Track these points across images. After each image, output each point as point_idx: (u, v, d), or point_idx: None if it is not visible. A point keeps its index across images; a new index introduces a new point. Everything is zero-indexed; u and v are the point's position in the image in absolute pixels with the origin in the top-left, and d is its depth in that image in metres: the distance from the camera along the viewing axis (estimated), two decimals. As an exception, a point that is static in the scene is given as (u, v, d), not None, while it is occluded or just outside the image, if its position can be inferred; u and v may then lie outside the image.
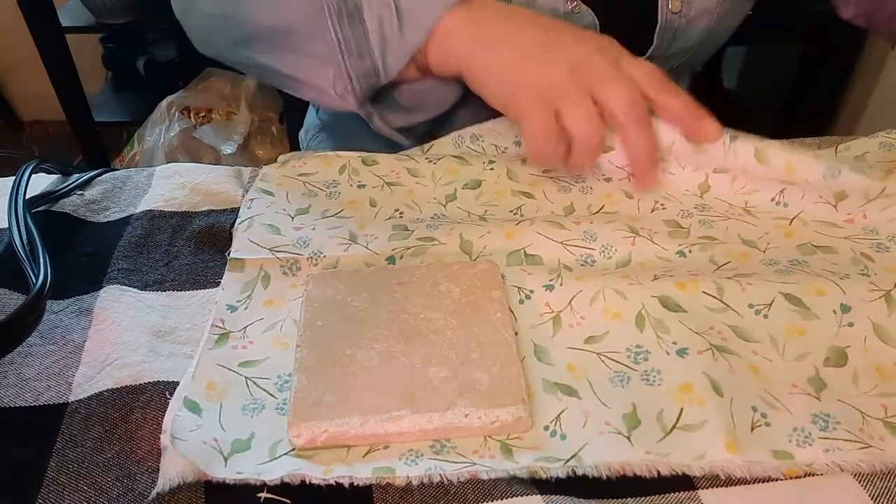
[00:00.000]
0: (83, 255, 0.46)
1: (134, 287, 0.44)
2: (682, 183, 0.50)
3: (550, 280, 0.42)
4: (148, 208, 0.50)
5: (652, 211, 0.48)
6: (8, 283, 0.43)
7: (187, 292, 0.44)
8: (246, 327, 0.41)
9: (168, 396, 0.36)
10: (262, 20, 0.51)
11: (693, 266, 0.43)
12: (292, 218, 0.49)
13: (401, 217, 0.49)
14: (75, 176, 0.53)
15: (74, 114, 1.56)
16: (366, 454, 0.34)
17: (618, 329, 0.39)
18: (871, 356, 0.37)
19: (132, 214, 0.50)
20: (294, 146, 0.93)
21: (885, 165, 0.47)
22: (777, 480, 0.32)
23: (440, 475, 0.32)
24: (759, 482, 0.32)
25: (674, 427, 0.34)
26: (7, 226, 0.45)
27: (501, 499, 0.31)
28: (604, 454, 0.33)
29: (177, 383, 0.37)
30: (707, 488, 0.32)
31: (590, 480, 0.32)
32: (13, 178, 0.49)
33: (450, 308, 0.39)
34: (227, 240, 0.47)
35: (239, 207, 0.50)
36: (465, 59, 0.49)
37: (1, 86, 1.98)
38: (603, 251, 0.45)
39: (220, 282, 0.44)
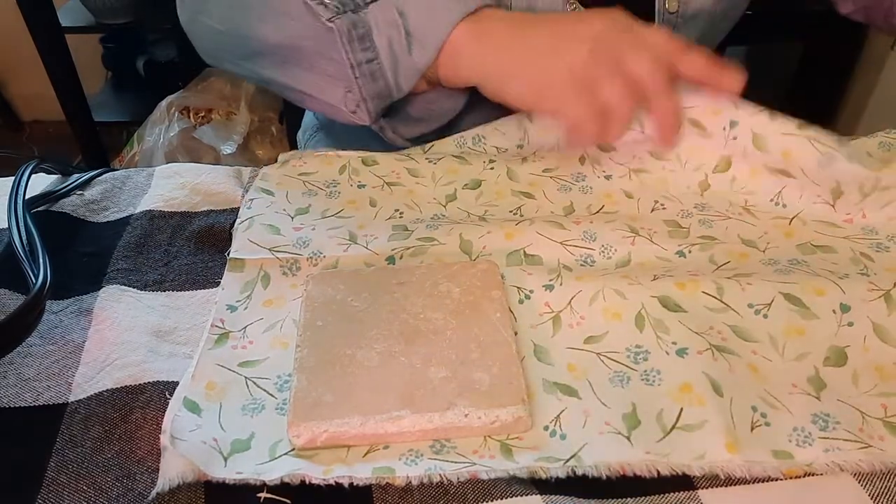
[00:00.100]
0: (83, 255, 0.46)
1: (134, 287, 0.44)
2: (683, 181, 0.50)
3: (550, 280, 0.42)
4: (148, 208, 0.50)
5: (652, 211, 0.48)
6: (8, 283, 0.43)
7: (187, 292, 0.44)
8: (246, 327, 0.41)
9: (168, 396, 0.36)
10: (269, 37, 0.52)
11: (693, 266, 0.43)
12: (292, 218, 0.49)
13: (401, 217, 0.49)
14: (75, 176, 0.53)
15: (74, 114, 1.56)
16: (366, 454, 0.34)
17: (617, 329, 0.39)
18: (871, 356, 0.37)
19: (132, 214, 0.50)
20: (293, 146, 0.93)
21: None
22: (777, 480, 0.32)
23: (440, 475, 0.32)
24: (759, 482, 0.32)
25: (674, 427, 0.34)
26: (7, 226, 0.45)
27: (501, 499, 0.31)
28: (604, 454, 0.33)
29: (177, 383, 0.37)
30: (707, 488, 0.32)
31: (590, 480, 0.32)
32: (13, 178, 0.49)
33: (450, 308, 0.39)
34: (227, 240, 0.47)
35: (239, 207, 0.50)
36: (479, 72, 0.49)
37: (1, 86, 1.98)
38: (603, 251, 0.45)
39: (220, 282, 0.44)
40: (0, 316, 0.40)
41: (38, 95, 1.85)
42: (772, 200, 0.48)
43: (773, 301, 0.39)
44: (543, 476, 0.32)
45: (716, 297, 0.40)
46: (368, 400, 0.34)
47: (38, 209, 0.49)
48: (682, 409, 0.35)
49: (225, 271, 0.44)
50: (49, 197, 0.51)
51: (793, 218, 0.47)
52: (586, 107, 0.46)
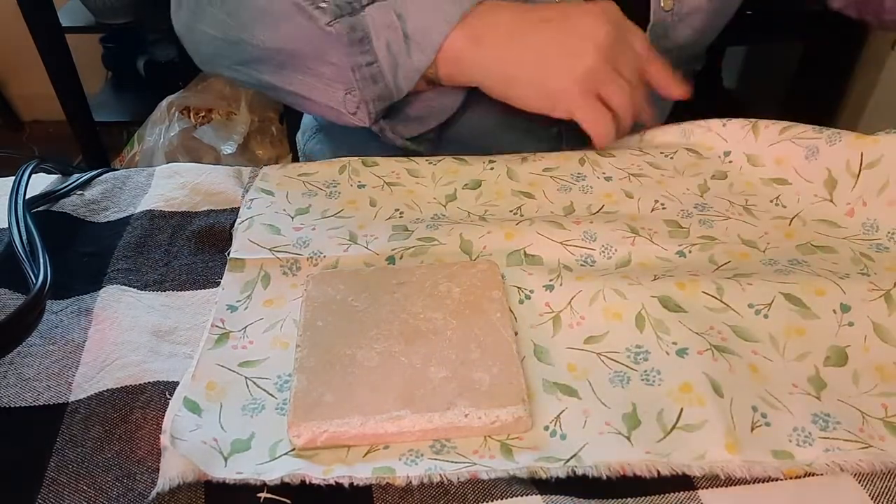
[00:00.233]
0: (83, 255, 0.46)
1: (134, 287, 0.44)
2: (682, 184, 0.51)
3: (550, 280, 0.42)
4: (148, 208, 0.50)
5: (652, 210, 0.48)
6: (8, 283, 0.43)
7: (187, 292, 0.44)
8: (246, 327, 0.41)
9: (168, 396, 0.36)
10: (267, 42, 0.52)
11: (693, 266, 0.43)
12: (292, 218, 0.49)
13: (401, 217, 0.49)
14: (75, 176, 0.53)
15: (74, 114, 1.56)
16: (366, 454, 0.34)
17: (618, 329, 0.39)
18: (871, 356, 0.37)
19: (132, 214, 0.50)
20: (293, 147, 0.93)
21: (858, 135, 0.48)
22: (777, 480, 0.32)
23: (440, 475, 0.32)
24: (759, 482, 0.32)
25: (674, 427, 0.34)
26: (7, 226, 0.45)
27: (501, 499, 0.31)
28: (604, 454, 0.33)
29: (177, 383, 0.37)
30: (707, 488, 0.32)
31: (590, 480, 0.32)
32: (13, 178, 0.49)
33: (450, 308, 0.39)
34: (227, 240, 0.47)
35: (239, 207, 0.50)
36: (482, 74, 0.50)
37: (1, 86, 1.98)
38: (603, 251, 0.45)
39: (220, 282, 0.44)
40: (0, 316, 0.40)
41: (38, 95, 1.85)
42: (772, 201, 0.49)
43: (773, 301, 0.39)
44: (543, 476, 0.32)
45: (716, 297, 0.40)
46: (368, 400, 0.34)
47: (39, 209, 0.49)
48: (682, 409, 0.35)
49: (225, 271, 0.44)
50: (49, 197, 0.51)
51: (793, 218, 0.47)
52: (599, 111, 0.48)
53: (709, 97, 1.61)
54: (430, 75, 0.51)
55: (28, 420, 0.36)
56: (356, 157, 0.54)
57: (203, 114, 1.58)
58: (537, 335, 0.39)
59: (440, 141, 0.56)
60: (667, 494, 0.32)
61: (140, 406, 0.36)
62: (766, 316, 0.39)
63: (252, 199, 0.50)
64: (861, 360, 0.37)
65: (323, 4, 0.49)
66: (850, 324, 0.38)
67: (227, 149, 1.53)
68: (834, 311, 0.39)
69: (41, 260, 0.42)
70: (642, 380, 0.37)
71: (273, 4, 0.51)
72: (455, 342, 0.37)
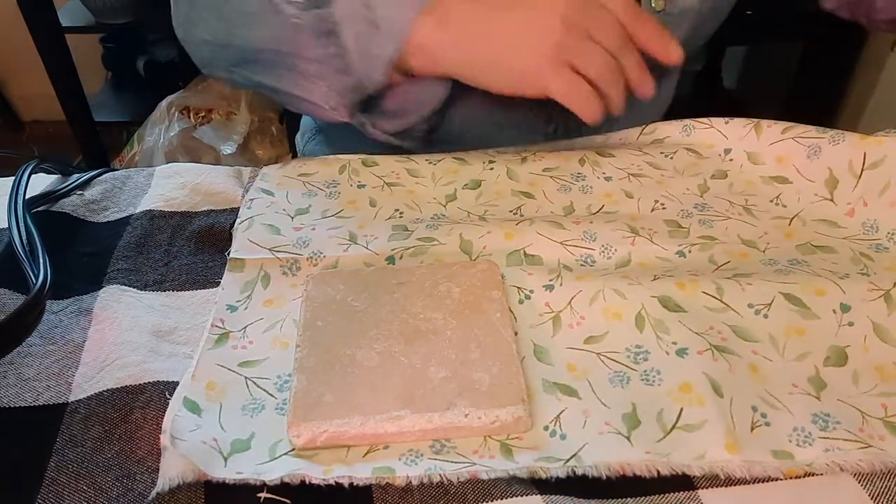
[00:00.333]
0: (83, 255, 0.46)
1: (134, 287, 0.44)
2: (682, 184, 0.51)
3: (550, 280, 0.42)
4: (148, 208, 0.50)
5: (652, 210, 0.48)
6: (8, 283, 0.43)
7: (187, 292, 0.44)
8: (246, 327, 0.41)
9: (168, 396, 0.36)
10: (252, 42, 0.52)
11: (693, 266, 0.43)
12: (292, 218, 0.49)
13: (401, 217, 0.49)
14: (75, 176, 0.53)
15: (74, 114, 1.56)
16: (366, 454, 0.34)
17: (618, 329, 0.39)
18: (871, 356, 0.37)
19: (132, 214, 0.50)
20: (293, 147, 0.93)
21: (862, 136, 0.48)
22: (777, 480, 0.32)
23: (440, 475, 0.32)
24: (759, 482, 0.32)
25: (674, 427, 0.34)
26: (7, 226, 0.45)
27: (501, 499, 0.31)
28: (604, 454, 0.33)
29: (177, 383, 0.37)
30: (707, 488, 0.32)
31: (590, 480, 0.32)
32: (13, 178, 0.49)
33: (450, 308, 0.39)
34: (227, 240, 0.47)
35: (239, 207, 0.50)
36: (453, 62, 0.49)
37: (1, 86, 1.98)
38: (603, 251, 0.45)
39: (220, 282, 0.44)
40: (0, 316, 0.40)
41: (38, 95, 1.85)
42: (772, 201, 0.49)
43: (773, 301, 0.39)
44: (543, 476, 0.32)
45: (716, 297, 0.40)
46: (368, 400, 0.34)
47: (38, 209, 0.49)
48: (682, 409, 0.35)
49: (225, 271, 0.44)
50: (49, 197, 0.51)
51: (793, 218, 0.47)
52: (574, 86, 0.46)
53: (709, 97, 1.61)
54: (402, 66, 0.50)
55: (28, 420, 0.36)
56: (356, 157, 0.54)
57: (203, 114, 1.58)
58: (537, 335, 0.39)
59: (431, 138, 0.56)
60: (667, 494, 0.32)
61: (140, 406, 0.36)
62: (766, 316, 0.39)
63: (252, 199, 0.50)
64: (861, 360, 0.37)
65: None
66: (850, 324, 0.38)
67: (227, 149, 1.53)
68: (834, 311, 0.39)
69: (41, 260, 0.42)
70: (642, 380, 0.37)
71: (248, 4, 0.51)
72: (455, 342, 0.37)
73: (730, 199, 0.49)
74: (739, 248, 0.45)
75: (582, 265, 0.44)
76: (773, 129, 0.51)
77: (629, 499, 0.32)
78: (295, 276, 0.44)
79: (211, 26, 0.54)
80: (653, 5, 0.56)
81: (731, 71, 1.68)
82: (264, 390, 0.37)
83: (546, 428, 0.35)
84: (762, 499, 0.32)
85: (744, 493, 0.32)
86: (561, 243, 0.45)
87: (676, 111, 0.65)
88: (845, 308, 0.39)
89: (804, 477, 0.32)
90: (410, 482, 0.32)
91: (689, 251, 0.44)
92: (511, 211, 0.49)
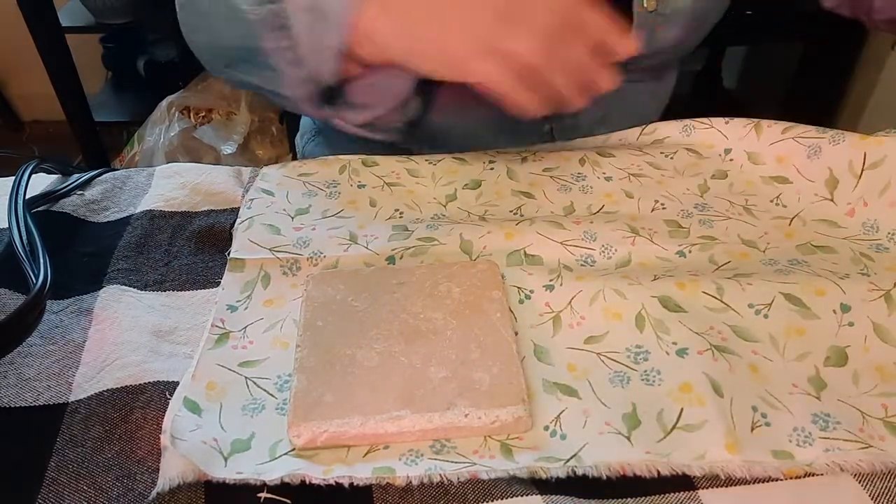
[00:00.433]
0: (83, 255, 0.46)
1: (134, 287, 0.44)
2: (682, 184, 0.51)
3: (550, 280, 0.42)
4: (148, 208, 0.50)
5: (652, 210, 0.48)
6: (8, 283, 0.43)
7: (187, 292, 0.44)
8: (246, 327, 0.41)
9: (168, 396, 0.36)
10: (228, 42, 0.53)
11: (693, 266, 0.43)
12: (292, 218, 0.49)
13: (401, 217, 0.49)
14: (75, 176, 0.53)
15: (74, 114, 1.56)
16: (366, 454, 0.34)
17: (618, 329, 0.39)
18: (872, 356, 0.37)
19: (132, 214, 0.50)
20: (293, 147, 0.93)
21: (862, 136, 0.48)
22: (777, 480, 0.32)
23: (440, 475, 0.32)
24: (759, 482, 0.32)
25: (674, 427, 0.34)
26: (7, 226, 0.45)
27: (501, 499, 0.31)
28: (604, 454, 0.33)
29: (177, 383, 0.37)
30: (707, 488, 0.32)
31: (590, 480, 0.32)
32: (13, 178, 0.49)
33: (450, 308, 0.39)
34: (227, 240, 0.47)
35: (239, 207, 0.50)
36: (395, 48, 0.47)
37: (1, 86, 1.98)
38: (603, 251, 0.45)
39: (220, 282, 0.44)
40: (0, 316, 0.40)
41: (38, 95, 1.85)
42: (772, 201, 0.49)
43: (773, 301, 0.39)
44: (543, 476, 0.32)
45: (716, 297, 0.40)
46: (368, 400, 0.34)
47: (39, 209, 0.49)
48: (682, 410, 0.35)
49: (225, 271, 0.44)
50: (49, 197, 0.51)
51: (793, 218, 0.47)
52: (495, 70, 0.44)
53: (709, 97, 1.61)
54: (356, 57, 0.50)
55: (28, 420, 0.36)
56: (356, 157, 0.54)
57: (203, 114, 1.58)
58: (537, 335, 0.39)
59: (415, 133, 0.55)
60: (667, 494, 0.32)
61: (140, 406, 0.36)
62: (766, 316, 0.39)
63: (252, 199, 0.50)
64: (861, 360, 0.37)
65: None
66: (851, 324, 0.38)
67: (227, 149, 1.53)
68: (834, 312, 0.39)
69: (41, 260, 0.42)
70: (642, 380, 0.37)
71: (216, 5, 0.52)
72: (455, 342, 0.37)
73: (730, 199, 0.49)
74: (739, 248, 0.45)
75: (582, 265, 0.44)
76: (773, 129, 0.51)
77: (629, 499, 0.32)
78: (295, 276, 0.44)
79: (199, 30, 0.55)
80: (644, 5, 0.56)
81: (731, 71, 1.68)
82: (264, 390, 0.37)
83: (546, 428, 0.35)
84: (762, 499, 0.32)
85: (744, 493, 0.32)
86: (561, 243, 0.45)
87: (676, 111, 0.65)
88: (845, 308, 0.39)
89: (804, 477, 0.32)
90: (410, 482, 0.32)
91: (690, 251, 0.44)
92: (511, 211, 0.49)
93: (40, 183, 0.52)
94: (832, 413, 0.35)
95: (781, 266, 0.42)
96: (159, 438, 0.34)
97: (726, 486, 0.32)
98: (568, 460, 0.33)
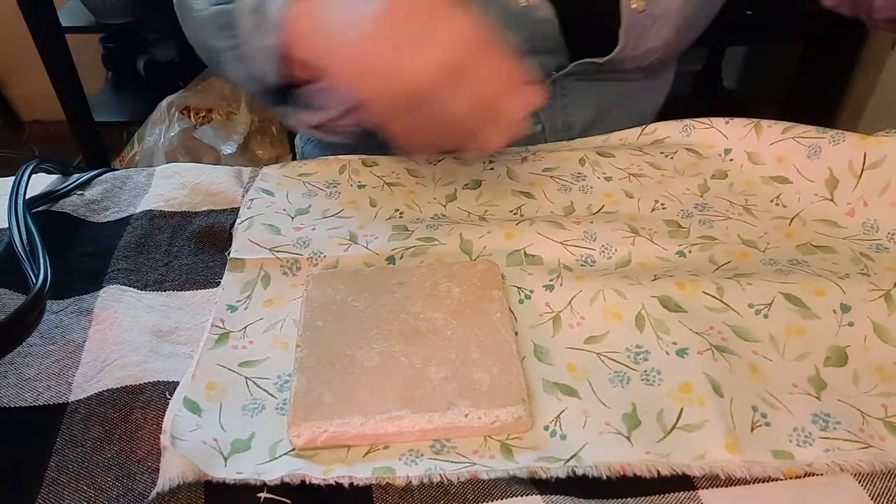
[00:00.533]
0: (83, 255, 0.46)
1: (134, 287, 0.44)
2: (682, 184, 0.51)
3: (550, 280, 0.42)
4: (148, 208, 0.50)
5: (652, 210, 0.48)
6: (8, 283, 0.43)
7: (187, 292, 0.44)
8: (246, 327, 0.41)
9: (168, 396, 0.36)
10: (207, 42, 0.54)
11: (693, 266, 0.43)
12: (292, 218, 0.49)
13: (401, 217, 0.49)
14: (75, 176, 0.53)
15: (74, 114, 1.56)
16: (366, 454, 0.34)
17: (618, 329, 0.39)
18: (872, 356, 0.37)
19: (132, 214, 0.50)
20: (293, 147, 0.93)
21: (862, 136, 0.48)
22: (777, 480, 0.32)
23: (440, 475, 0.32)
24: (759, 482, 0.32)
25: (674, 427, 0.34)
26: (7, 226, 0.45)
27: (501, 499, 0.31)
28: (604, 454, 0.33)
29: (177, 383, 0.37)
30: (707, 488, 0.32)
31: (590, 480, 0.32)
32: (13, 178, 0.49)
33: (450, 308, 0.39)
34: (227, 240, 0.47)
35: (239, 207, 0.50)
36: (315, 57, 0.46)
37: (1, 86, 1.98)
38: (603, 251, 0.45)
39: (220, 282, 0.44)
40: (0, 316, 0.40)
41: (38, 95, 1.85)
42: (772, 201, 0.49)
43: (773, 301, 0.39)
44: (543, 476, 0.32)
45: (716, 297, 0.40)
46: (368, 400, 0.34)
47: (39, 209, 0.49)
48: (682, 410, 0.35)
49: (225, 271, 0.44)
50: (49, 197, 0.51)
51: (793, 218, 0.47)
52: (391, 93, 0.41)
53: (709, 97, 1.61)
54: (295, 60, 0.49)
55: (28, 420, 0.36)
56: (356, 157, 0.54)
57: (203, 114, 1.58)
58: (537, 335, 0.39)
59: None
60: (667, 494, 0.32)
61: (140, 406, 0.36)
62: (766, 316, 0.39)
63: (252, 199, 0.50)
64: (861, 360, 0.37)
65: None
66: (851, 324, 0.38)
67: (227, 149, 1.53)
68: (834, 312, 0.39)
69: (41, 260, 0.42)
70: (642, 380, 0.37)
71: (182, 6, 0.54)
72: (455, 342, 0.37)
73: (730, 199, 0.49)
74: (739, 248, 0.45)
75: (582, 265, 0.44)
76: (773, 129, 0.51)
77: (629, 499, 0.32)
78: (295, 276, 0.44)
79: (187, 29, 0.57)
80: (633, 6, 0.56)
81: (731, 71, 1.68)
82: (264, 390, 0.37)
83: (546, 428, 0.35)
84: (762, 499, 0.32)
85: (744, 493, 0.32)
86: (561, 243, 0.45)
87: (676, 111, 0.65)
88: (845, 308, 0.39)
89: (804, 477, 0.32)
90: (410, 482, 0.32)
91: (690, 251, 0.44)
92: (511, 211, 0.49)
93: (40, 183, 0.52)
94: (832, 413, 0.35)
95: (781, 266, 0.42)
96: (159, 438, 0.34)
97: (726, 486, 0.32)
98: (568, 460, 0.33)
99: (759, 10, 1.25)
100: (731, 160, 0.52)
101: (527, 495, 0.31)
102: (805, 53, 1.41)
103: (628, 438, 0.34)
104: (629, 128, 0.57)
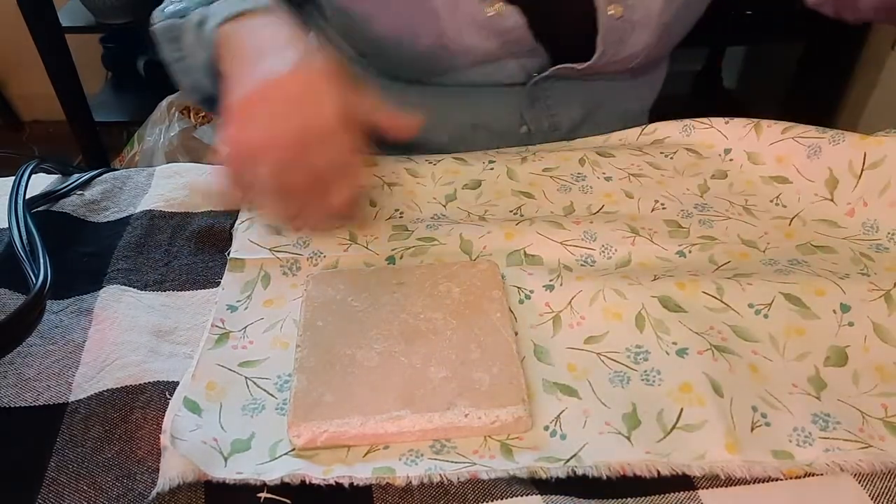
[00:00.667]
0: (83, 255, 0.46)
1: (134, 287, 0.44)
2: (682, 184, 0.51)
3: (550, 280, 0.42)
4: (148, 208, 0.50)
5: (652, 210, 0.48)
6: (8, 283, 0.43)
7: (187, 292, 0.44)
8: (246, 327, 0.41)
9: (168, 396, 0.36)
10: (163, 55, 0.57)
11: (693, 266, 0.43)
12: (292, 218, 0.48)
13: (401, 217, 0.49)
14: (75, 176, 0.53)
15: (74, 114, 1.56)
16: (366, 454, 0.34)
17: (618, 329, 0.39)
18: (871, 356, 0.37)
19: (132, 214, 0.50)
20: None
21: (862, 136, 0.48)
22: (777, 480, 0.32)
23: (440, 475, 0.32)
24: (759, 482, 0.32)
25: (674, 427, 0.34)
26: (7, 226, 0.45)
27: (501, 499, 0.31)
28: (604, 454, 0.33)
29: (177, 383, 0.37)
30: (707, 488, 0.32)
31: (590, 480, 0.32)
32: (13, 178, 0.49)
33: (450, 308, 0.39)
34: (227, 240, 0.47)
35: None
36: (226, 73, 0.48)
37: (1, 86, 1.98)
38: (603, 251, 0.45)
39: (220, 282, 0.44)
40: (0, 316, 0.40)
41: (38, 95, 1.85)
42: (771, 201, 0.49)
43: (773, 301, 0.39)
44: (543, 476, 0.32)
45: (716, 297, 0.40)
46: (368, 400, 0.34)
47: (39, 209, 0.49)
48: (682, 410, 0.35)
49: (225, 271, 0.44)
50: (49, 197, 0.51)
51: (793, 218, 0.47)
52: (229, 146, 0.43)
53: (709, 97, 1.61)
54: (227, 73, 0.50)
55: (28, 420, 0.36)
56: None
57: (203, 114, 1.58)
58: (537, 335, 0.39)
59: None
60: (667, 494, 0.32)
61: (140, 406, 0.36)
62: (766, 316, 0.39)
63: (252, 199, 0.50)
64: (861, 360, 0.37)
65: (167, 9, 0.55)
66: (850, 324, 0.38)
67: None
68: (834, 312, 0.39)
69: (41, 260, 0.41)
70: (642, 380, 0.37)
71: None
72: (455, 342, 0.37)
73: (730, 199, 0.49)
74: (739, 248, 0.45)
75: (582, 265, 0.44)
76: (773, 129, 0.51)
77: (629, 499, 0.32)
78: (295, 277, 0.44)
79: None
80: (610, 13, 0.55)
81: (731, 71, 1.68)
82: (264, 390, 0.37)
83: (546, 428, 0.35)
84: (762, 499, 0.32)
85: (744, 493, 0.32)
86: (561, 243, 0.45)
87: (676, 111, 0.65)
88: (845, 308, 0.39)
89: (804, 477, 0.32)
90: (410, 482, 0.32)
91: (690, 251, 0.44)
92: (511, 211, 0.49)
93: (40, 183, 0.52)
94: (832, 413, 0.35)
95: (781, 266, 0.42)
96: (159, 438, 0.34)
97: (726, 486, 0.32)
98: (568, 460, 0.33)
99: (759, 10, 1.25)
100: (730, 160, 0.52)
101: (527, 495, 0.31)
102: (805, 53, 1.41)
103: (628, 438, 0.34)
104: (623, 127, 0.57)
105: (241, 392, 0.37)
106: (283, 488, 0.32)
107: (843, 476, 0.32)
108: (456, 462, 0.33)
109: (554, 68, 0.58)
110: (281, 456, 0.34)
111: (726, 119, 0.53)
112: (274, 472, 0.32)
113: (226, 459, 0.33)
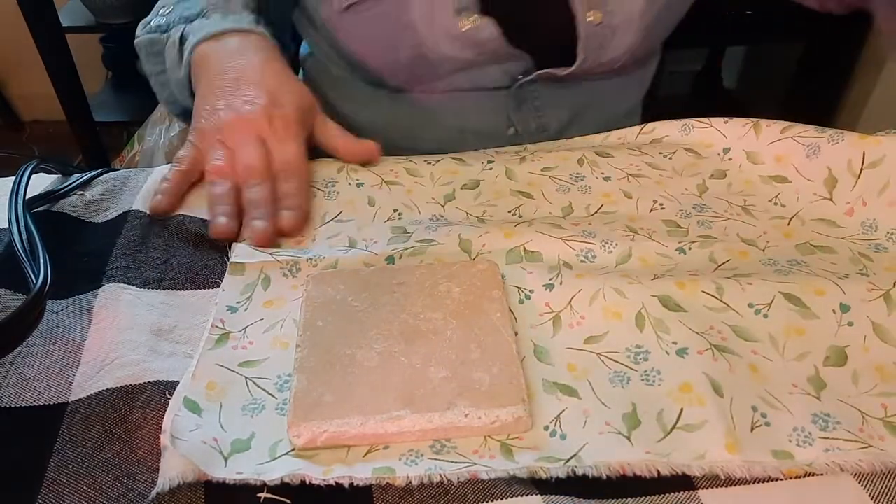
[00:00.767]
0: (83, 255, 0.46)
1: (133, 285, 0.44)
2: (681, 184, 0.51)
3: (550, 279, 0.42)
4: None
5: (650, 211, 0.49)
6: (8, 283, 0.43)
7: (186, 291, 0.44)
8: (246, 328, 0.41)
9: (168, 396, 0.36)
10: (144, 67, 0.60)
11: (693, 265, 0.43)
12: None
13: (399, 218, 0.49)
14: (75, 176, 0.53)
15: (74, 114, 1.55)
16: (366, 454, 0.34)
17: (618, 329, 0.39)
18: (871, 356, 0.37)
19: (129, 211, 0.50)
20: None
21: (861, 135, 0.48)
22: (777, 480, 0.32)
23: (440, 475, 0.32)
24: (759, 482, 0.32)
25: (674, 427, 0.34)
26: (7, 226, 0.45)
27: (501, 499, 0.31)
28: (604, 454, 0.33)
29: (177, 383, 0.37)
30: (707, 488, 0.32)
31: (590, 480, 0.32)
32: (13, 178, 0.49)
33: (450, 308, 0.39)
34: (225, 239, 0.47)
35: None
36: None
37: (1, 86, 1.98)
38: (603, 245, 0.45)
39: (218, 281, 0.44)
40: (0, 316, 0.40)
41: (38, 95, 1.85)
42: (770, 201, 0.49)
43: (773, 301, 0.39)
44: (543, 476, 0.32)
45: (716, 297, 0.40)
46: (368, 400, 0.34)
47: (39, 209, 0.49)
48: (682, 409, 0.35)
49: (225, 275, 0.44)
50: (49, 197, 0.51)
51: (792, 218, 0.47)
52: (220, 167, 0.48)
53: (708, 97, 1.61)
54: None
55: (28, 420, 0.36)
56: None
57: (203, 114, 1.58)
58: (537, 335, 0.39)
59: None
60: (667, 494, 0.32)
61: (140, 406, 0.36)
62: (765, 316, 0.39)
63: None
64: (861, 360, 0.37)
65: (152, 23, 0.57)
66: (850, 324, 0.38)
67: (227, 149, 1.53)
68: (833, 311, 0.39)
69: (41, 260, 0.41)
70: (642, 380, 0.37)
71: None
72: (455, 342, 0.37)
73: (728, 199, 0.49)
74: (739, 247, 0.45)
75: (582, 261, 0.44)
76: (772, 128, 0.51)
77: (629, 499, 0.32)
78: (295, 278, 0.44)
79: None
80: (589, 19, 0.55)
81: (731, 71, 1.68)
82: (264, 390, 0.37)
83: (546, 428, 0.35)
84: (762, 499, 0.32)
85: (744, 493, 0.32)
86: (561, 239, 0.45)
87: (676, 111, 0.65)
88: (845, 308, 0.39)
89: (804, 477, 0.32)
90: (410, 482, 0.32)
91: (689, 248, 0.45)
92: (510, 211, 0.49)
93: (40, 183, 0.52)
94: (832, 413, 0.35)
95: (781, 266, 0.42)
96: (159, 438, 0.34)
97: (726, 486, 0.32)
98: (568, 460, 0.33)
99: (759, 10, 1.25)
100: (729, 160, 0.52)
101: (527, 495, 0.31)
102: (805, 53, 1.41)
103: (628, 438, 0.34)
104: (613, 126, 0.57)
105: (241, 392, 0.37)
106: (283, 488, 0.32)
107: (843, 476, 0.32)
108: (456, 462, 0.33)
109: (537, 73, 0.58)
110: (281, 456, 0.34)
111: (725, 119, 0.53)
112: (274, 473, 0.32)
113: (226, 459, 0.34)
